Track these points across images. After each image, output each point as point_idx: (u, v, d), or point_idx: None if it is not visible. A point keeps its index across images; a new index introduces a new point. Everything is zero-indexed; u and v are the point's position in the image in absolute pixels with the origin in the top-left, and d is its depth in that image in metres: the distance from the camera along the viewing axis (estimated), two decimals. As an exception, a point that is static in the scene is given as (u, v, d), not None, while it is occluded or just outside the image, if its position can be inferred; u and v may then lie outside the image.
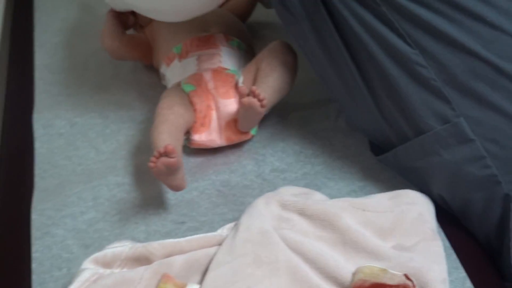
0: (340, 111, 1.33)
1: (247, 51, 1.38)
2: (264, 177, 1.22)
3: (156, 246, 1.04)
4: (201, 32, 1.36)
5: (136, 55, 1.45)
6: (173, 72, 1.34)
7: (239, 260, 1.00)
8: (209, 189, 1.21)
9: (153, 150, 1.12)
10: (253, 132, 1.28)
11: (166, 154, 1.09)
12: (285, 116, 1.34)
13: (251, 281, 0.97)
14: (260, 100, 1.17)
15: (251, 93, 1.17)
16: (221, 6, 1.36)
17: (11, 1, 1.83)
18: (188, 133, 1.26)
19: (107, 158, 1.30)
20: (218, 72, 1.28)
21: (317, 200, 1.11)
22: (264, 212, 1.07)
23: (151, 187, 1.22)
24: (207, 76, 1.28)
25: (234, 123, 1.25)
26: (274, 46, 1.30)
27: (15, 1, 1.85)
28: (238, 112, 1.23)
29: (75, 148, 1.33)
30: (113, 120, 1.38)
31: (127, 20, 1.44)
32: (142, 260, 1.04)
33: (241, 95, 1.18)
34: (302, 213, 1.08)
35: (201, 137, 1.24)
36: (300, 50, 1.22)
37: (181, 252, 1.04)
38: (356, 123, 1.22)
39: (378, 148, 1.21)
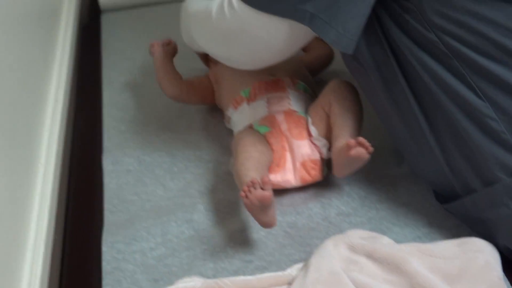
0: (403, 158, 1.35)
1: (312, 94, 1.42)
2: (330, 220, 1.24)
3: (227, 282, 1.07)
4: (267, 76, 1.40)
5: (196, 100, 1.51)
6: (242, 115, 1.37)
7: (311, 301, 1.02)
8: (276, 230, 1.23)
9: (240, 186, 1.15)
10: (325, 173, 1.31)
11: (261, 186, 1.11)
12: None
13: (321, 320, 0.99)
14: (367, 149, 1.17)
15: (359, 144, 1.16)
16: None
17: (79, 40, 1.89)
18: None
19: (175, 196, 1.33)
20: (289, 114, 1.32)
21: (384, 244, 1.13)
22: (333, 254, 1.09)
23: (220, 226, 1.25)
24: (280, 117, 1.31)
25: (309, 163, 1.28)
26: (338, 87, 1.32)
27: (83, 40, 1.91)
28: (337, 159, 1.22)
29: (143, 184, 1.36)
30: (180, 159, 1.41)
31: (174, 51, 1.52)
32: (214, 295, 1.06)
33: (348, 148, 1.16)
34: (370, 256, 1.10)
35: (276, 177, 1.27)
36: (366, 98, 1.25)
37: (254, 290, 1.07)
38: (420, 172, 1.24)
39: (443, 196, 1.23)
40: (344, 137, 1.22)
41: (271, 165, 1.28)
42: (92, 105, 1.62)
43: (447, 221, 1.22)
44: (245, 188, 1.12)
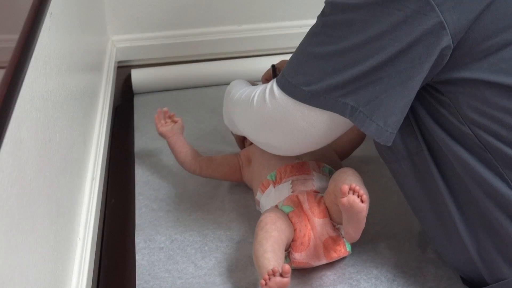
0: (429, 243, 1.38)
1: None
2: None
3: None
4: (293, 159, 1.45)
5: (219, 176, 1.57)
6: (268, 198, 1.42)
7: None
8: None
9: (257, 268, 1.18)
10: (348, 248, 1.34)
11: (281, 274, 1.15)
12: (377, 244, 1.40)
13: None
14: (359, 196, 1.20)
15: (351, 190, 1.20)
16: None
17: (113, 121, 1.95)
18: (287, 251, 1.31)
19: (206, 274, 1.36)
20: (311, 194, 1.36)
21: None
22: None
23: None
24: (302, 198, 1.35)
25: (332, 240, 1.31)
26: (345, 170, 1.35)
27: (117, 120, 1.96)
28: (343, 221, 1.26)
29: (175, 262, 1.39)
30: (211, 239, 1.45)
31: (179, 127, 1.62)
32: None
33: (342, 193, 1.20)
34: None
35: (301, 256, 1.30)
36: (397, 185, 1.29)
37: None
38: (448, 259, 1.26)
39: (470, 282, 1.25)
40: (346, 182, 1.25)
41: (295, 244, 1.31)
42: (125, 184, 1.66)
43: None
44: (266, 277, 1.16)
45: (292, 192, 1.38)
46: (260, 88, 1.27)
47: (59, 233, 1.14)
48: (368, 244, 1.39)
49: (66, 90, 1.29)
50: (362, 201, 1.19)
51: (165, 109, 1.64)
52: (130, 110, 2.00)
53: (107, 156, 1.75)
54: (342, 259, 1.36)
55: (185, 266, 1.38)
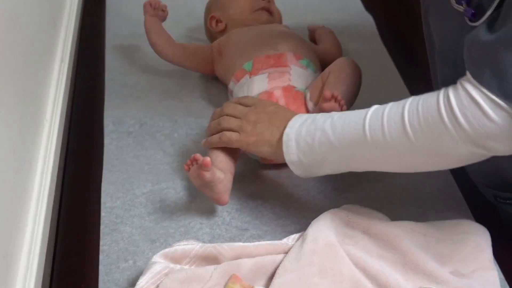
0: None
1: (316, 71, 1.43)
2: (326, 194, 1.27)
3: (225, 247, 1.09)
4: (270, 50, 1.42)
5: (190, 64, 1.53)
6: (243, 88, 1.38)
7: (306, 270, 1.04)
8: (272, 199, 1.25)
9: None
10: None
11: (200, 166, 1.13)
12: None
13: (316, 290, 1.02)
14: (340, 105, 1.21)
15: (333, 98, 1.21)
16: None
17: (83, 4, 1.89)
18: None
19: (174, 161, 1.35)
20: (288, 90, 1.33)
21: (380, 220, 1.15)
22: (330, 227, 1.12)
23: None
24: (278, 93, 1.32)
25: None
26: (340, 62, 1.34)
27: (87, 4, 1.91)
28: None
29: (143, 148, 1.38)
30: (181, 125, 1.43)
31: (164, 17, 1.55)
32: (211, 259, 1.08)
33: (324, 99, 1.21)
34: (366, 231, 1.13)
35: None
36: None
37: (249, 256, 1.09)
38: None
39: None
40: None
41: None
42: (95, 68, 1.63)
43: (441, 204, 1.24)
44: (188, 162, 1.15)
45: (268, 87, 1.35)
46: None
47: (25, 113, 1.12)
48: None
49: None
50: (341, 109, 1.20)
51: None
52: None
53: (77, 38, 1.70)
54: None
55: (154, 153, 1.37)
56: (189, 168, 1.15)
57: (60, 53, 1.46)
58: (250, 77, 1.38)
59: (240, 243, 1.10)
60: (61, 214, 1.26)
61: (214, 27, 1.57)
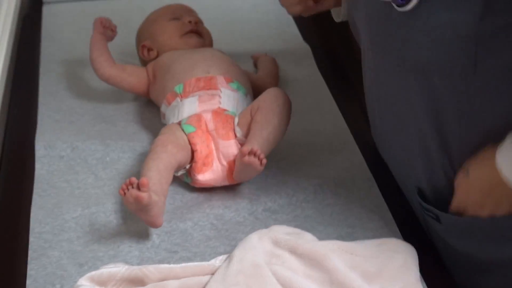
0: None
1: (247, 94, 1.44)
2: (257, 215, 1.27)
3: (151, 269, 1.08)
4: (202, 73, 1.42)
5: (127, 85, 1.53)
6: (174, 111, 1.39)
7: (231, 290, 1.04)
8: (203, 221, 1.25)
9: None
10: None
11: (138, 186, 1.14)
12: (280, 161, 1.39)
13: (241, 310, 1.01)
14: (260, 160, 1.23)
15: (252, 153, 1.23)
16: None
17: (19, 30, 1.88)
18: (189, 172, 1.31)
19: (105, 185, 1.34)
20: (218, 113, 1.34)
21: (307, 240, 1.16)
22: (257, 247, 1.12)
23: (147, 215, 1.26)
24: (207, 117, 1.33)
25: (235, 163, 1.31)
26: (270, 96, 1.35)
27: (23, 29, 1.90)
28: (236, 164, 1.28)
29: (75, 172, 1.37)
30: (114, 149, 1.42)
31: (112, 37, 1.56)
32: (137, 282, 1.08)
33: (242, 154, 1.23)
34: (293, 251, 1.13)
35: (204, 177, 1.30)
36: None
37: (176, 277, 1.08)
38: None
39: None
40: (252, 144, 1.26)
41: (197, 165, 1.30)
42: (29, 94, 1.62)
43: (370, 223, 1.25)
44: (123, 186, 1.15)
45: (198, 110, 1.36)
46: None
47: None
48: (271, 162, 1.38)
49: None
50: (261, 164, 1.23)
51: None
52: (39, 19, 1.94)
53: (9, 63, 1.69)
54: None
55: (85, 177, 1.36)
56: (124, 193, 1.15)
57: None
58: (181, 100, 1.39)
59: (167, 265, 1.10)
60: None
61: (146, 55, 1.57)
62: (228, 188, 1.33)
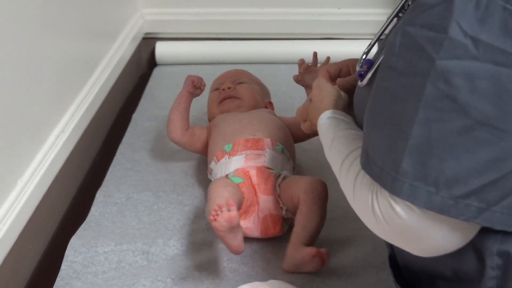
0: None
1: (289, 158, 1.52)
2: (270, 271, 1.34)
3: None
4: (249, 135, 1.52)
5: (194, 150, 1.64)
6: (221, 167, 1.49)
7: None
8: (216, 271, 1.34)
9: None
10: (284, 229, 1.42)
11: (227, 208, 1.23)
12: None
13: None
14: (324, 262, 1.30)
15: (318, 254, 1.30)
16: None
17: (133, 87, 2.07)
18: None
19: (144, 228, 1.47)
20: (261, 170, 1.44)
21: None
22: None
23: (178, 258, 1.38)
24: (252, 172, 1.43)
25: (271, 218, 1.40)
26: (311, 188, 1.38)
27: (136, 86, 2.08)
28: (292, 256, 1.32)
29: (123, 216, 1.51)
30: (163, 200, 1.56)
31: (198, 94, 1.65)
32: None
33: (310, 255, 1.30)
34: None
35: (244, 224, 1.38)
36: None
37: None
38: None
39: None
40: (304, 237, 1.33)
41: (240, 212, 1.38)
42: (111, 143, 1.79)
43: None
44: (213, 213, 1.24)
45: (244, 165, 1.45)
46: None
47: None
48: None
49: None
50: (323, 263, 1.30)
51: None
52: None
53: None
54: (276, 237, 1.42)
55: (130, 220, 1.49)
56: (215, 218, 1.23)
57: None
58: (229, 158, 1.49)
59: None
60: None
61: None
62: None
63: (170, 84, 2.07)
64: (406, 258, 1.12)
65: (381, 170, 0.88)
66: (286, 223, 1.42)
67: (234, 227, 1.24)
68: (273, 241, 1.42)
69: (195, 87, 1.64)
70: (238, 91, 1.67)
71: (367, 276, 1.31)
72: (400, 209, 0.88)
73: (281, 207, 1.40)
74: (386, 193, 0.89)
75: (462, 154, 0.83)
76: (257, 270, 1.34)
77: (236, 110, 1.63)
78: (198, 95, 1.67)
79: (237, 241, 1.26)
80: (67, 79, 1.65)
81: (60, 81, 1.60)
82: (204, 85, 1.66)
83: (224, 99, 1.66)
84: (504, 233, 0.93)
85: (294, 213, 1.38)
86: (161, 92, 2.03)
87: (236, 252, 1.29)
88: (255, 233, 1.40)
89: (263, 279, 1.30)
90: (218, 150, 1.53)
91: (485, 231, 0.94)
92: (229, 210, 1.23)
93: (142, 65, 2.23)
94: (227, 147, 1.51)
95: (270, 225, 1.40)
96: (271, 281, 1.25)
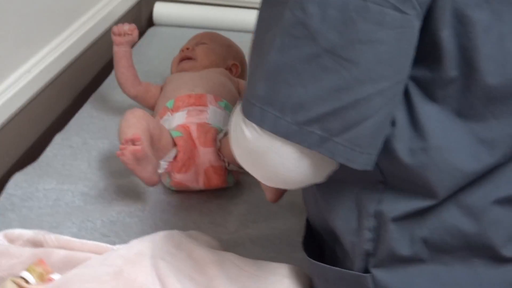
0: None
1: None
2: (200, 226, 1.35)
3: (52, 238, 1.20)
4: (188, 91, 1.53)
5: (149, 106, 1.64)
6: (164, 124, 1.49)
7: (102, 268, 1.12)
8: (147, 219, 1.36)
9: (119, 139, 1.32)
10: (229, 180, 1.44)
11: (132, 141, 1.27)
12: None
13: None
14: None
15: None
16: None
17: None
18: (169, 172, 1.41)
19: (91, 173, 1.49)
20: (202, 126, 1.45)
21: (207, 247, 1.21)
22: (156, 241, 1.19)
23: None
24: (193, 127, 1.44)
25: (213, 169, 1.41)
26: None
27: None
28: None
29: (74, 159, 1.54)
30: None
31: (132, 39, 1.62)
32: (38, 245, 1.20)
33: None
34: (190, 254, 1.18)
35: (181, 177, 1.40)
36: None
37: (72, 250, 1.18)
38: None
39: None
40: None
41: (178, 165, 1.40)
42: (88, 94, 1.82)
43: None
44: (121, 147, 1.29)
45: (186, 121, 1.46)
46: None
47: None
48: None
49: None
50: None
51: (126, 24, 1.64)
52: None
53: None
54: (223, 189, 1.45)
55: (80, 163, 1.53)
56: (122, 153, 1.28)
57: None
58: (172, 114, 1.50)
59: (67, 237, 1.21)
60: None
61: None
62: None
63: (160, 43, 2.08)
64: (310, 214, 1.12)
65: (245, 96, 0.91)
66: (232, 175, 1.44)
67: (140, 160, 1.28)
68: (214, 196, 1.44)
69: (119, 35, 1.59)
70: (195, 52, 1.68)
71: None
72: (249, 132, 0.90)
73: (223, 160, 1.41)
74: (242, 116, 0.91)
75: (309, 81, 0.85)
76: (186, 222, 1.35)
77: (191, 71, 1.64)
78: (132, 41, 1.62)
79: (147, 173, 1.31)
80: (43, 20, 1.67)
81: (34, 21, 1.63)
82: (130, 28, 1.60)
83: (181, 59, 1.68)
84: (382, 192, 0.92)
85: (239, 167, 1.37)
86: (148, 49, 2.04)
87: (149, 184, 1.35)
88: (198, 185, 1.42)
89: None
90: (161, 108, 1.54)
91: (365, 190, 0.94)
92: (134, 144, 1.27)
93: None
94: (168, 104, 1.52)
95: (213, 176, 1.41)
96: (191, 232, 1.26)
